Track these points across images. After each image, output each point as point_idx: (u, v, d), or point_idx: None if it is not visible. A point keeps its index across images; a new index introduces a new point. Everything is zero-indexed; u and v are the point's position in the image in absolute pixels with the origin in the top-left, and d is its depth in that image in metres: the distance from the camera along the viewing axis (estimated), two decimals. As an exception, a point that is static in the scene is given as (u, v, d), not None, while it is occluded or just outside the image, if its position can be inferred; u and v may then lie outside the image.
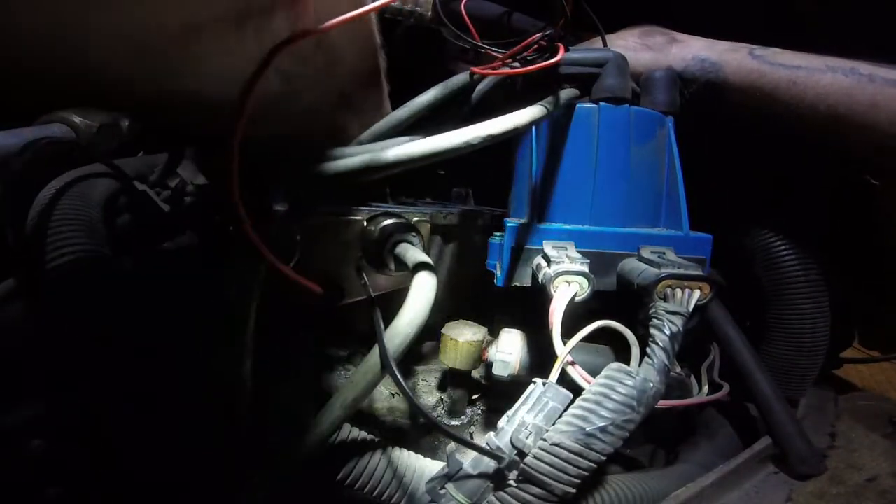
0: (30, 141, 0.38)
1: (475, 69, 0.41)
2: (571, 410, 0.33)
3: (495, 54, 0.43)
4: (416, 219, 0.43)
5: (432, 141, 0.33)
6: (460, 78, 0.43)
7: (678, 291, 0.35)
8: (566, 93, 0.43)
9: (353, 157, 0.33)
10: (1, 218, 0.40)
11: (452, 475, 0.35)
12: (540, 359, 0.46)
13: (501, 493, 0.32)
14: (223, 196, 0.25)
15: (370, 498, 0.40)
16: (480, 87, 0.42)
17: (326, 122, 0.37)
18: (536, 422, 0.34)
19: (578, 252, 0.41)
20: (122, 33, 0.21)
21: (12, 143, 0.43)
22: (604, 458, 0.31)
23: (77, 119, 0.33)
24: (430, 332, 0.51)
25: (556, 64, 0.41)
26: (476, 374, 0.52)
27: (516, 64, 0.43)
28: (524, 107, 0.38)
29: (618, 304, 0.42)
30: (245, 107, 0.23)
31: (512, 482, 0.33)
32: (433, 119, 0.42)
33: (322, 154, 0.36)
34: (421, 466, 0.42)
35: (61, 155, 0.46)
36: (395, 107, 0.47)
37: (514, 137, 0.50)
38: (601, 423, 0.31)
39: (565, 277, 0.36)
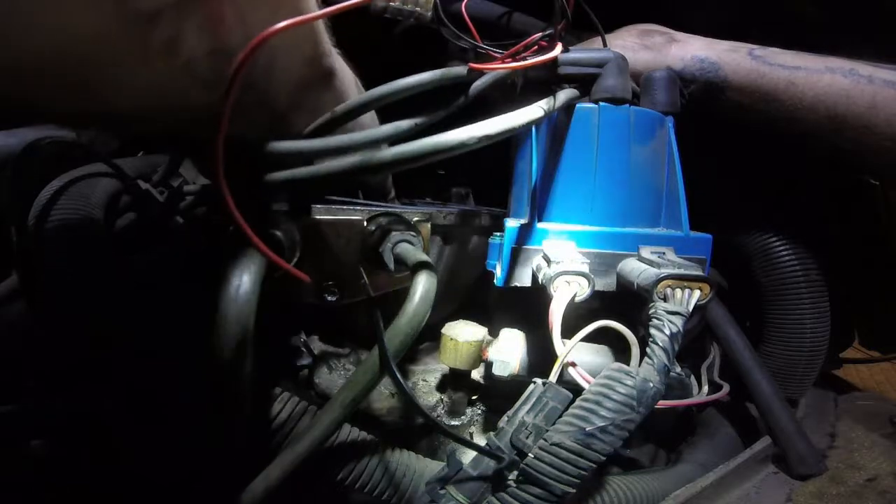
0: (31, 141, 0.38)
1: (473, 65, 0.41)
2: (571, 410, 0.33)
3: (495, 55, 0.43)
4: (416, 219, 0.43)
5: (426, 142, 0.33)
6: (458, 70, 0.43)
7: (678, 291, 0.35)
8: (565, 93, 0.43)
9: (346, 159, 0.33)
10: (2, 217, 0.40)
11: (452, 475, 0.35)
12: (540, 359, 0.46)
13: (501, 494, 0.32)
14: (217, 194, 0.25)
15: (370, 498, 0.40)
16: (477, 84, 0.42)
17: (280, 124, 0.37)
18: (536, 422, 0.34)
19: (578, 252, 0.41)
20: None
21: (13, 142, 0.43)
22: (604, 458, 0.31)
23: (77, 119, 0.33)
24: (430, 332, 0.51)
25: (553, 60, 0.41)
26: (476, 374, 0.52)
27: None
28: (522, 107, 0.38)
29: (618, 304, 0.42)
30: (227, 109, 0.24)
31: (512, 482, 0.33)
32: (427, 110, 0.41)
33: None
34: (421, 466, 0.42)
35: (62, 155, 0.46)
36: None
37: (513, 137, 0.50)
38: (601, 423, 0.31)
39: (565, 277, 0.36)
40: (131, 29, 0.22)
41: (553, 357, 0.36)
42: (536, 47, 0.42)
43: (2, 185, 0.44)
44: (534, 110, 0.38)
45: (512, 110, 0.38)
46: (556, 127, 0.45)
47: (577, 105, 0.45)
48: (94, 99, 0.25)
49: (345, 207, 0.39)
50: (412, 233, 0.38)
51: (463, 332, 0.49)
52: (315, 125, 0.37)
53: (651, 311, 0.34)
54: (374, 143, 0.36)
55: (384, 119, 0.42)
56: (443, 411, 0.54)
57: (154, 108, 0.28)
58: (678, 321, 0.33)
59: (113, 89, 0.25)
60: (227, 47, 0.26)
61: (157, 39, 0.23)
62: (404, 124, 0.39)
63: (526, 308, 0.47)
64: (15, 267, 0.45)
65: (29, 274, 0.41)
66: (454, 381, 0.53)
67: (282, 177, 0.33)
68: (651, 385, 0.32)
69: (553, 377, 0.36)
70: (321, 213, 0.38)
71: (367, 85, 0.53)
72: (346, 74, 0.41)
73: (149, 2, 0.22)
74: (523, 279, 0.43)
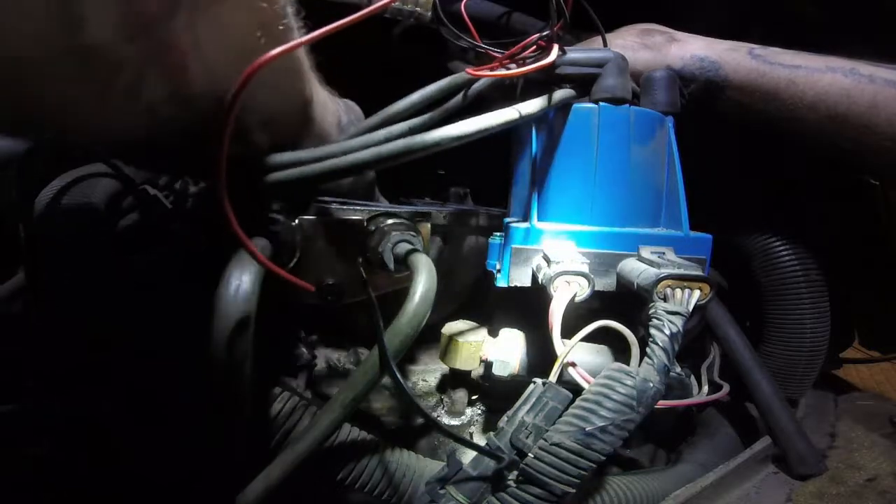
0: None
1: (469, 71, 0.41)
2: (571, 410, 0.33)
3: (494, 55, 0.43)
4: (416, 219, 0.43)
5: (401, 143, 0.33)
6: (455, 79, 0.43)
7: (678, 291, 0.35)
8: (560, 93, 0.43)
9: (324, 161, 0.34)
10: (5, 216, 0.40)
11: (452, 475, 0.35)
12: (540, 359, 0.46)
13: (501, 494, 0.32)
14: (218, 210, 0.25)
15: (370, 498, 0.40)
16: (476, 87, 0.42)
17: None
18: (536, 422, 0.34)
19: (578, 252, 0.41)
20: None
21: (12, 142, 0.43)
22: (603, 458, 0.31)
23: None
24: (431, 332, 0.51)
25: (550, 65, 0.41)
26: (476, 374, 0.52)
27: (513, 65, 0.43)
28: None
29: (618, 304, 0.42)
30: (225, 135, 0.24)
31: (512, 482, 0.33)
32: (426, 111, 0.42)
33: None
34: (421, 467, 0.42)
35: (62, 155, 0.46)
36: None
37: (513, 138, 0.50)
38: (601, 423, 0.31)
39: (565, 277, 0.36)
40: (91, 74, 0.23)
41: (553, 357, 0.36)
42: (535, 47, 0.42)
43: (6, 185, 0.44)
44: (509, 113, 0.38)
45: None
46: (556, 127, 0.45)
47: (577, 105, 0.45)
48: (56, 123, 0.26)
49: (345, 207, 0.39)
50: (412, 233, 0.38)
51: (463, 332, 0.49)
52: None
53: (651, 311, 0.34)
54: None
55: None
56: (443, 411, 0.54)
57: (122, 131, 0.28)
58: (678, 321, 0.33)
59: (74, 118, 0.26)
60: (189, 92, 0.26)
61: (118, 85, 0.24)
62: (396, 129, 0.39)
63: (526, 308, 0.47)
64: (23, 266, 0.45)
65: (34, 274, 0.41)
66: (454, 381, 0.53)
67: (281, 177, 0.33)
68: (651, 385, 0.32)
69: (553, 377, 0.36)
70: (321, 214, 0.38)
71: (369, 85, 0.53)
72: (324, 102, 0.41)
73: (110, 54, 0.22)
74: (523, 279, 0.43)
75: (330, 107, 0.42)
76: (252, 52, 0.24)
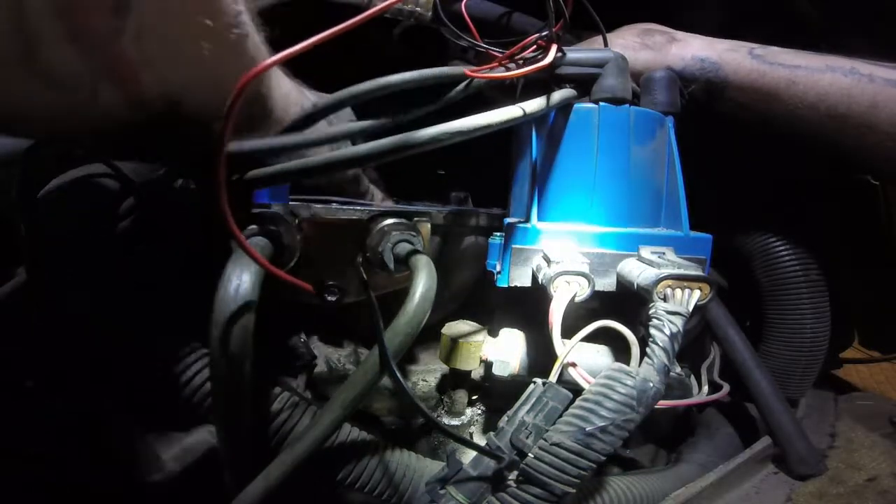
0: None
1: (468, 71, 0.41)
2: (571, 410, 0.33)
3: (494, 54, 0.43)
4: (415, 218, 0.43)
5: (402, 137, 0.33)
6: (454, 71, 0.43)
7: (678, 291, 0.35)
8: (561, 93, 0.43)
9: (316, 157, 0.33)
10: (10, 214, 0.40)
11: (452, 475, 0.35)
12: (540, 359, 0.46)
13: (501, 494, 0.32)
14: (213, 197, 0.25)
15: (370, 498, 0.40)
16: (474, 86, 0.42)
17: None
18: (536, 422, 0.34)
19: (578, 252, 0.41)
20: None
21: (11, 142, 0.43)
22: (603, 458, 0.31)
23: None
24: (431, 331, 0.51)
25: (548, 66, 0.41)
26: (476, 374, 0.52)
27: (512, 65, 0.43)
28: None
29: (618, 304, 0.42)
30: (223, 142, 0.24)
31: (512, 482, 0.33)
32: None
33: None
34: (421, 467, 0.42)
35: (62, 154, 0.46)
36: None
37: (513, 137, 0.50)
38: (601, 423, 0.31)
39: (565, 277, 0.36)
40: (47, 84, 0.24)
41: (553, 357, 0.36)
42: (535, 47, 0.42)
43: (6, 185, 0.44)
44: (513, 111, 0.38)
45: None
46: (556, 127, 0.45)
47: (577, 105, 0.45)
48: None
49: (345, 207, 0.39)
50: (412, 232, 0.38)
51: (463, 332, 0.49)
52: (291, 122, 0.37)
53: (651, 311, 0.34)
54: (351, 137, 0.36)
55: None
56: (443, 411, 0.54)
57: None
58: (678, 321, 0.33)
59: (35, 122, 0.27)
60: (143, 99, 0.27)
61: (74, 95, 0.25)
62: (382, 120, 0.39)
63: (526, 308, 0.47)
64: (23, 266, 0.45)
65: (35, 273, 0.41)
66: (454, 381, 0.53)
67: (269, 172, 0.33)
68: (651, 385, 0.32)
69: (553, 377, 0.36)
70: (321, 213, 0.38)
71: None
72: (285, 94, 0.40)
73: (65, 67, 0.23)
74: (523, 279, 0.43)
75: (293, 96, 0.42)
76: (203, 61, 0.27)
